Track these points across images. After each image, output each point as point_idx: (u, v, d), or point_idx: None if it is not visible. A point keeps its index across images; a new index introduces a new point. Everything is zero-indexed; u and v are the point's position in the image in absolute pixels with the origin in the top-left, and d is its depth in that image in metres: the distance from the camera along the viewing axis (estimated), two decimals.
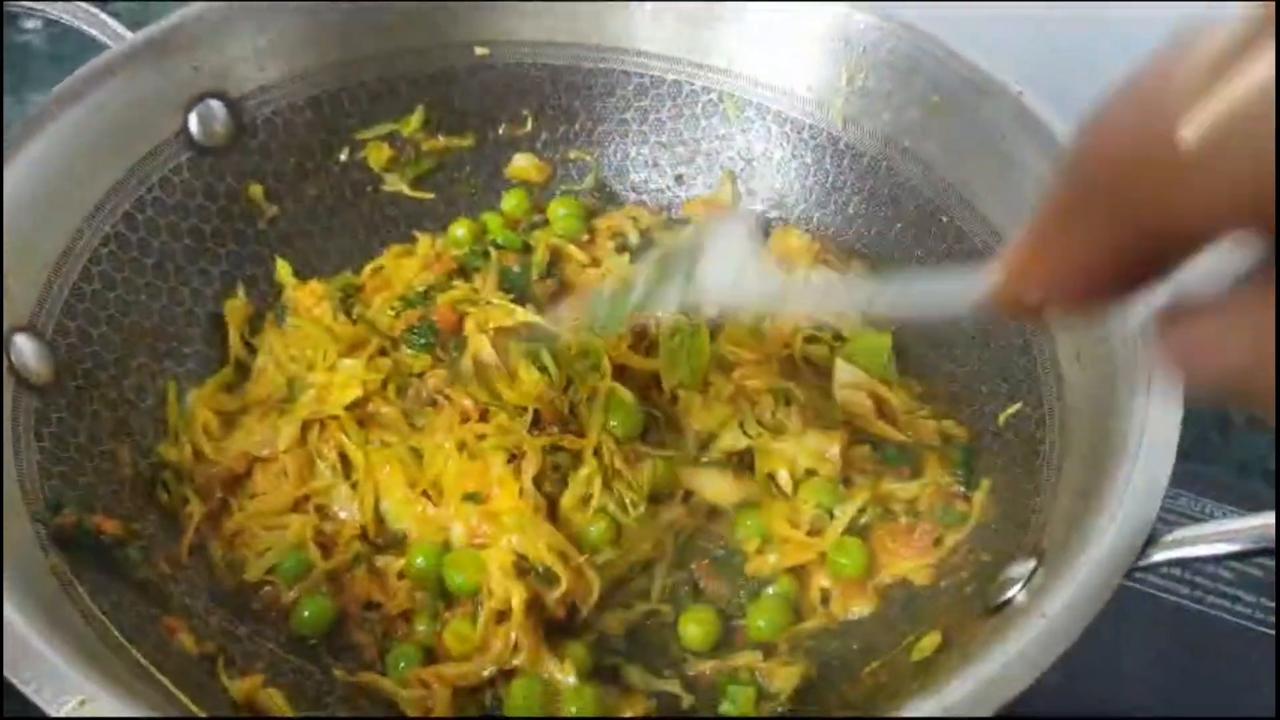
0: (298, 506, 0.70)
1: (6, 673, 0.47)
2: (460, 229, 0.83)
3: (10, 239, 0.65)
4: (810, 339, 0.76)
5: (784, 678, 0.62)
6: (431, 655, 0.64)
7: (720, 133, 0.85)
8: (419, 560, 0.66)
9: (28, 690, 0.47)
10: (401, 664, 0.63)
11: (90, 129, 0.71)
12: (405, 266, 0.80)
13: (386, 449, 0.70)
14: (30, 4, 0.76)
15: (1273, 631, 0.79)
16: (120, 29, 0.75)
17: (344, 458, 0.71)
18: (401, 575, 0.66)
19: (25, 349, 0.64)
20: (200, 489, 0.70)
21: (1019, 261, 0.30)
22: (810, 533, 0.68)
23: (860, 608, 0.66)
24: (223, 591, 0.67)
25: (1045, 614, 0.49)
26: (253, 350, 0.78)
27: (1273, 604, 0.82)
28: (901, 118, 0.77)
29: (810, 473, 0.70)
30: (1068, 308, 0.30)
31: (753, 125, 0.84)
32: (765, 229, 0.84)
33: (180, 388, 0.74)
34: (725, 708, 0.62)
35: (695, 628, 0.65)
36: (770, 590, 0.67)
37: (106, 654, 0.53)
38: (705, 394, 0.72)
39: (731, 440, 0.71)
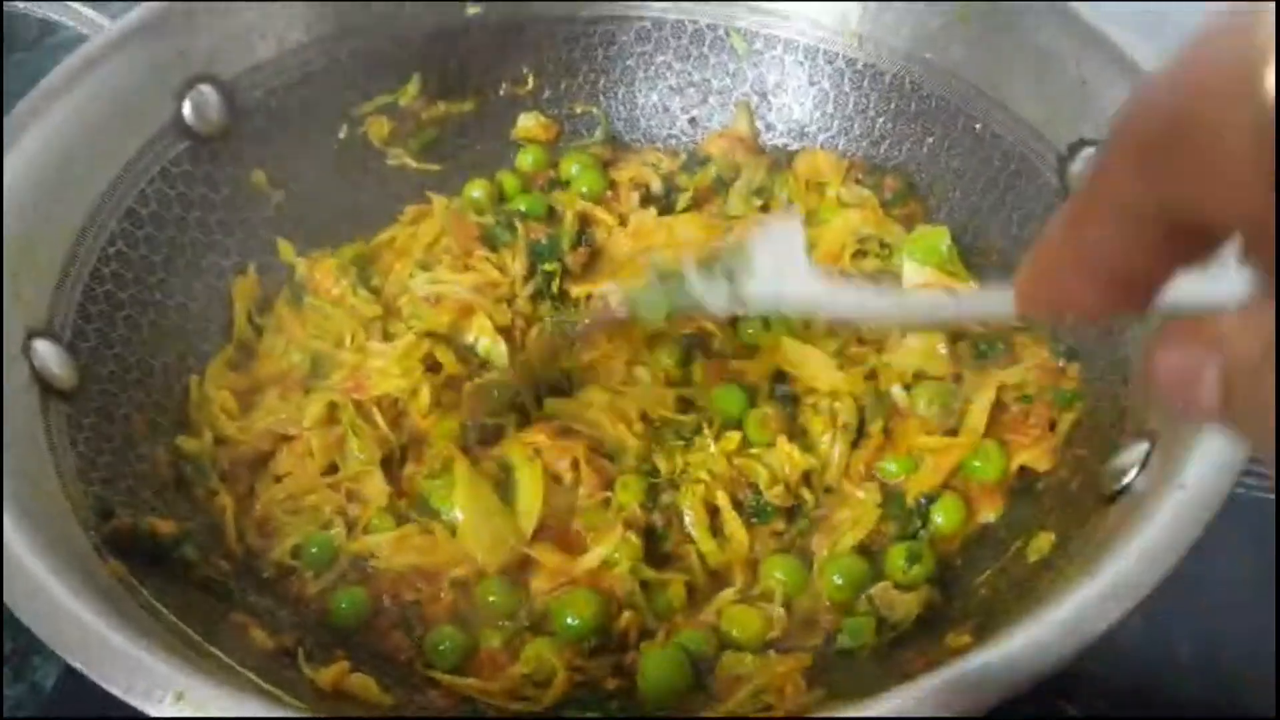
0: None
1: (97, 678, 0.44)
2: (476, 190, 0.81)
3: (14, 242, 0.62)
4: (857, 253, 0.74)
5: (905, 605, 0.60)
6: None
7: (730, 69, 0.83)
8: (491, 597, 0.62)
9: (121, 692, 0.43)
10: (443, 645, 0.61)
11: (81, 124, 0.68)
12: (423, 232, 0.77)
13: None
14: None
15: None
16: (99, 17, 0.71)
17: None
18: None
19: (46, 354, 0.61)
20: (226, 474, 0.67)
21: (1034, 280, 0.30)
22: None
23: (990, 512, 0.64)
24: (265, 581, 0.64)
25: (1184, 485, 0.46)
26: (258, 330, 0.75)
27: None
28: (921, 29, 0.76)
29: (919, 376, 0.68)
30: (1082, 315, 0.30)
31: (763, 57, 0.82)
32: (721, 183, 0.82)
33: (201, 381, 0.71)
34: (842, 640, 0.60)
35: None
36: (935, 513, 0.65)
37: (187, 652, 0.50)
38: (810, 336, 0.70)
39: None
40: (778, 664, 0.58)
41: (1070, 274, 0.29)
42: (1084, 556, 0.51)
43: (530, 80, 0.84)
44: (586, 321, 0.69)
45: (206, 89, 0.74)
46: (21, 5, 0.71)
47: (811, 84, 0.81)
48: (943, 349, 0.69)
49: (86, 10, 0.71)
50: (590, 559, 0.62)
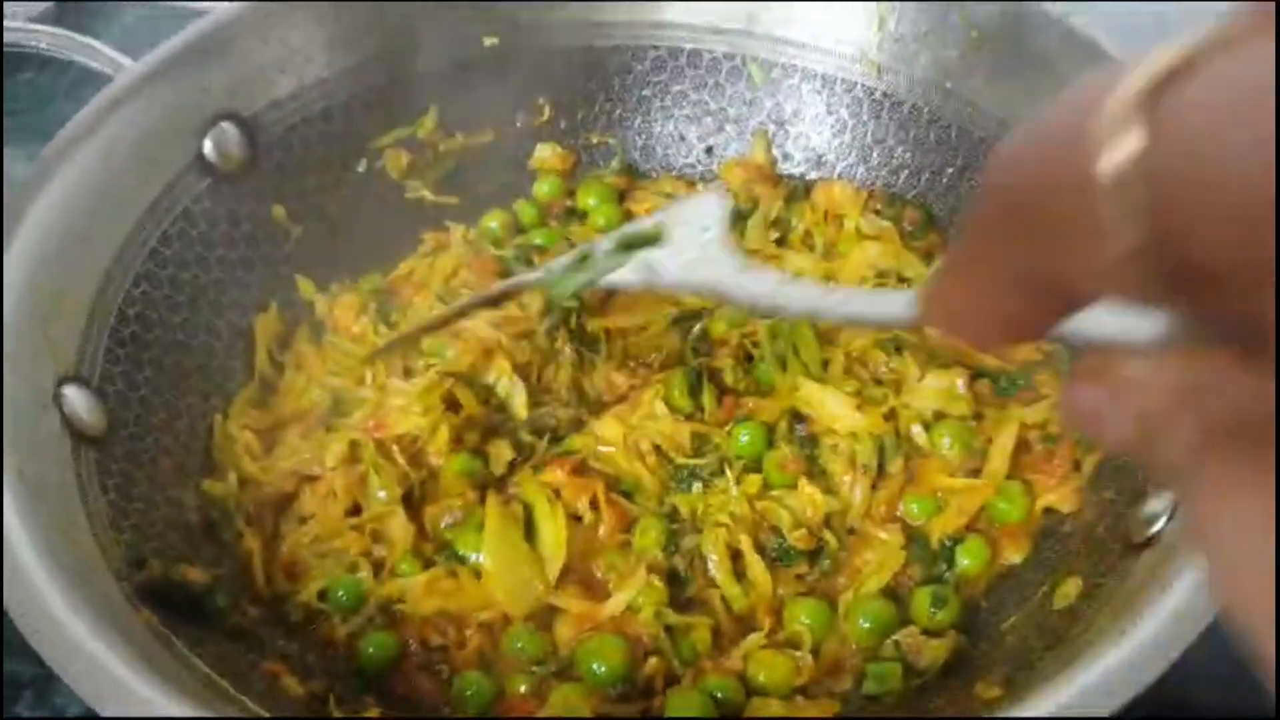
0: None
1: None
2: (493, 220, 0.82)
3: (43, 284, 0.63)
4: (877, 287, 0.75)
5: (932, 651, 0.60)
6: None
7: (747, 98, 0.83)
8: (518, 644, 0.63)
9: None
10: (470, 690, 0.61)
11: (106, 167, 0.69)
12: (441, 265, 0.79)
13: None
14: (22, 43, 0.73)
15: None
16: (123, 59, 0.72)
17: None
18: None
19: (76, 400, 0.62)
20: (251, 517, 0.68)
21: (928, 300, 0.30)
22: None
23: (1015, 554, 0.65)
24: (293, 625, 0.64)
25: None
26: (279, 367, 0.76)
27: None
28: (940, 60, 0.76)
29: (939, 415, 0.69)
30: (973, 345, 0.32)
31: (780, 86, 0.82)
32: (739, 215, 0.81)
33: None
34: (869, 686, 0.60)
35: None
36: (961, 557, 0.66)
37: (223, 705, 0.50)
38: (827, 377, 0.71)
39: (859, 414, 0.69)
40: (806, 709, 0.58)
41: (959, 306, 0.29)
42: (1113, 607, 0.51)
43: (547, 111, 0.84)
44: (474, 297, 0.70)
45: (228, 126, 0.75)
46: (46, 47, 0.71)
47: (829, 113, 0.81)
48: (962, 387, 0.69)
49: (109, 51, 0.72)
50: (614, 604, 0.62)
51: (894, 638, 0.62)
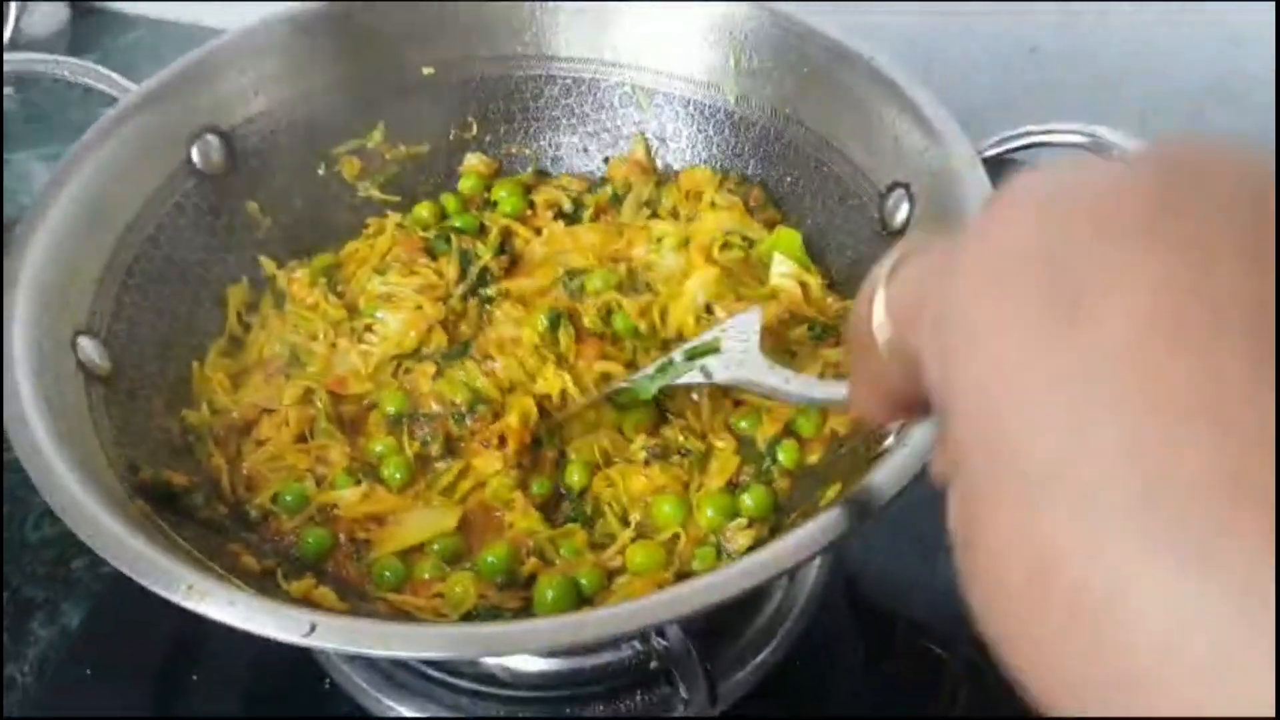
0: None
1: (133, 575, 0.62)
2: (423, 210, 0.99)
3: (63, 259, 0.80)
4: (725, 245, 0.92)
5: (741, 538, 0.78)
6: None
7: (636, 119, 1.00)
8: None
9: (149, 584, 0.61)
10: (386, 573, 0.77)
11: (114, 167, 0.85)
12: (379, 245, 0.96)
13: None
14: (42, 70, 0.91)
15: None
16: (125, 82, 0.90)
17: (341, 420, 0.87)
18: None
19: (88, 347, 0.78)
20: (219, 440, 0.84)
21: (850, 395, 0.44)
22: None
23: (813, 456, 0.83)
24: (252, 521, 0.81)
25: (906, 445, 0.64)
26: (246, 326, 0.93)
27: None
28: (782, 89, 0.93)
29: None
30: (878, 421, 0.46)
31: (662, 110, 0.99)
32: (616, 198, 1.00)
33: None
34: (694, 565, 0.77)
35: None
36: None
37: (196, 564, 0.68)
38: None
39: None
40: (638, 582, 0.76)
41: (861, 394, 0.42)
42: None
43: (474, 127, 1.02)
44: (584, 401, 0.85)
45: (211, 137, 0.91)
46: (68, 74, 0.89)
47: (699, 131, 0.98)
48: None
49: (120, 78, 0.90)
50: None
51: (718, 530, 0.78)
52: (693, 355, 0.80)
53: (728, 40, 0.95)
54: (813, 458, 0.83)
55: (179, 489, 0.77)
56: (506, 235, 0.97)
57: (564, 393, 0.85)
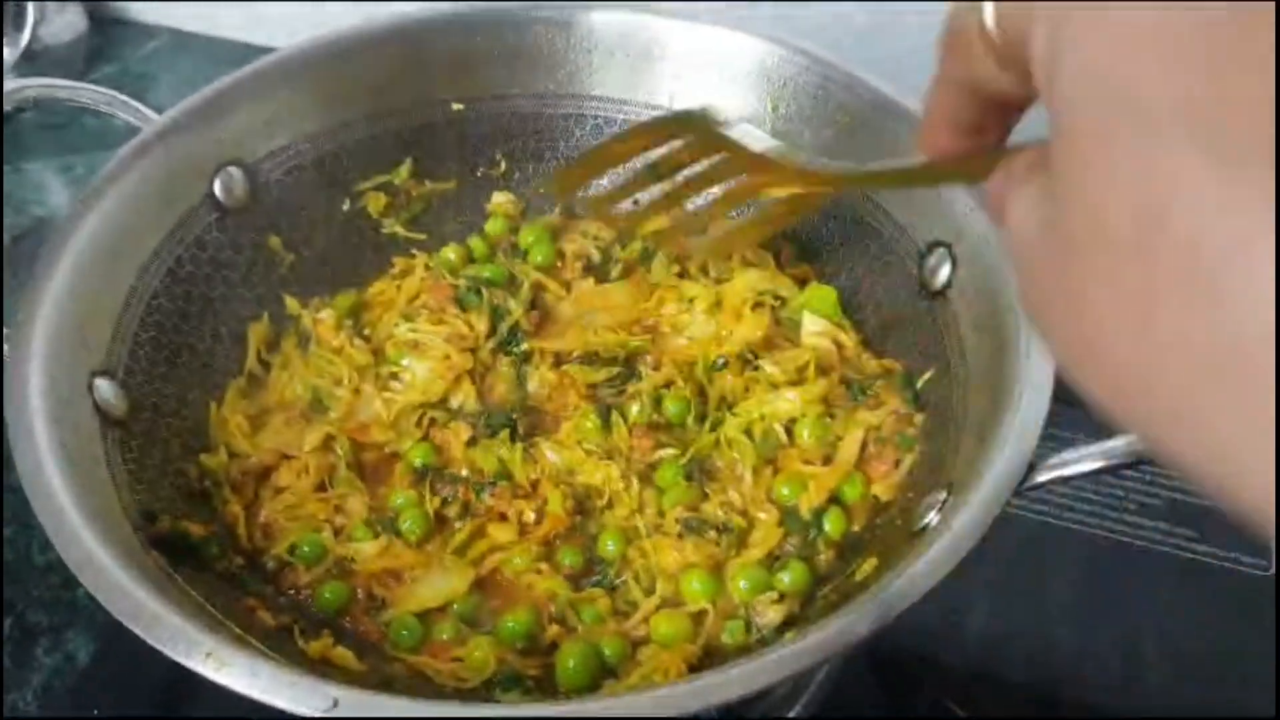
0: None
1: (150, 640, 0.60)
2: (450, 253, 0.97)
3: (80, 296, 0.77)
4: (756, 305, 0.90)
5: (771, 612, 0.75)
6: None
7: None
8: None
9: (167, 650, 0.59)
10: (404, 632, 0.75)
11: (134, 202, 0.83)
12: (406, 288, 0.94)
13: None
14: (71, 98, 0.88)
15: (1173, 550, 0.95)
16: (148, 111, 0.88)
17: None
18: None
19: (104, 389, 0.76)
20: (235, 485, 0.82)
21: (919, 136, 0.44)
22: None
23: (857, 525, 0.80)
24: (268, 573, 0.79)
25: (951, 528, 0.63)
26: (266, 365, 0.91)
27: (1169, 525, 0.97)
28: (820, 138, 0.91)
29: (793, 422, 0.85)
30: (947, 154, 0.44)
31: None
32: (646, 254, 0.98)
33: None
34: (724, 639, 0.75)
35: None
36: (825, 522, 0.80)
37: (213, 625, 0.66)
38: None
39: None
40: (664, 655, 0.74)
41: (940, 127, 0.41)
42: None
43: (502, 164, 1.00)
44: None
45: (234, 170, 0.89)
46: (89, 101, 0.87)
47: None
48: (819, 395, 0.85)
49: (142, 107, 0.88)
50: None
51: (748, 602, 0.76)
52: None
53: (765, 85, 0.93)
54: (856, 525, 0.81)
55: (195, 540, 0.75)
56: (537, 289, 0.95)
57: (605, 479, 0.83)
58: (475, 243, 0.98)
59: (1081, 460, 0.66)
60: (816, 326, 0.89)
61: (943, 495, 0.70)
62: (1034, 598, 0.93)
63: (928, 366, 0.83)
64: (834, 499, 0.81)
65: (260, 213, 0.92)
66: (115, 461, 0.74)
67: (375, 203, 0.97)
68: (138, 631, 0.60)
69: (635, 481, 0.82)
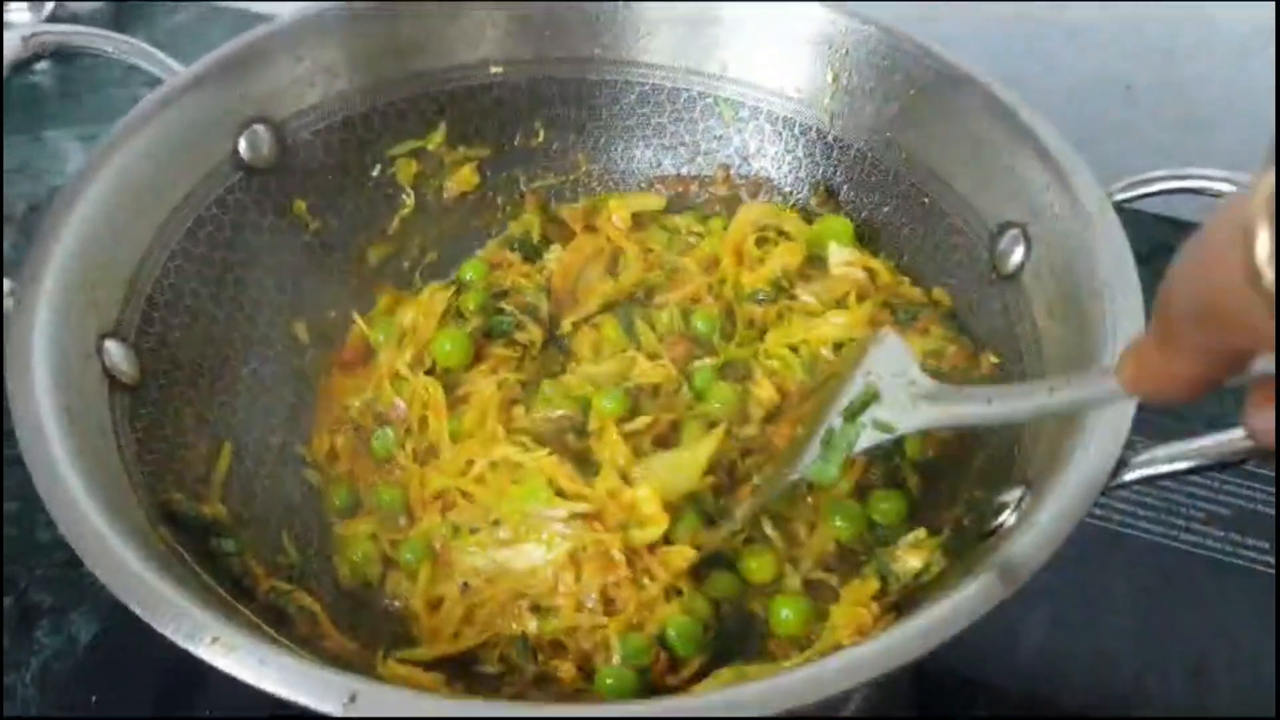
0: None
1: (153, 624, 0.55)
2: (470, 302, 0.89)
3: (92, 255, 0.73)
4: (759, 240, 0.87)
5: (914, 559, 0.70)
6: None
7: (717, 133, 0.93)
8: None
9: (170, 634, 0.54)
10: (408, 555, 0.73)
11: (153, 155, 0.78)
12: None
13: None
14: (89, 46, 0.83)
15: (1242, 562, 0.89)
16: (172, 63, 0.83)
17: None
18: None
19: (114, 352, 0.71)
20: None
21: (1135, 380, 0.43)
22: None
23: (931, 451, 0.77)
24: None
25: (1034, 523, 0.57)
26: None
27: (1239, 535, 0.91)
28: (883, 112, 0.86)
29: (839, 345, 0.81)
30: (1169, 404, 0.42)
31: (747, 125, 0.92)
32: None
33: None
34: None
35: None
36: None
37: (220, 608, 0.61)
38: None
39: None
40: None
41: (1163, 379, 0.41)
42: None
43: (541, 134, 0.94)
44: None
45: (260, 128, 0.84)
46: (112, 50, 0.82)
47: (787, 151, 0.91)
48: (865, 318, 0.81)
49: (166, 58, 0.83)
50: None
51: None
52: (852, 414, 0.68)
53: (828, 53, 0.87)
54: (930, 452, 0.77)
55: (207, 520, 0.70)
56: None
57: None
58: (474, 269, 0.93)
59: (1175, 459, 0.60)
60: (845, 256, 0.85)
61: (1018, 492, 0.64)
62: (1093, 611, 0.87)
63: (995, 353, 0.78)
64: None
65: (286, 174, 0.87)
66: (124, 430, 0.70)
67: (406, 169, 0.92)
68: (137, 610, 0.55)
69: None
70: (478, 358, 0.84)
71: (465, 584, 0.72)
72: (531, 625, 0.70)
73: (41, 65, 1.34)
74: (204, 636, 0.54)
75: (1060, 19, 1.13)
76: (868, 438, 0.67)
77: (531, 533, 0.71)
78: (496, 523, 0.73)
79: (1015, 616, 0.85)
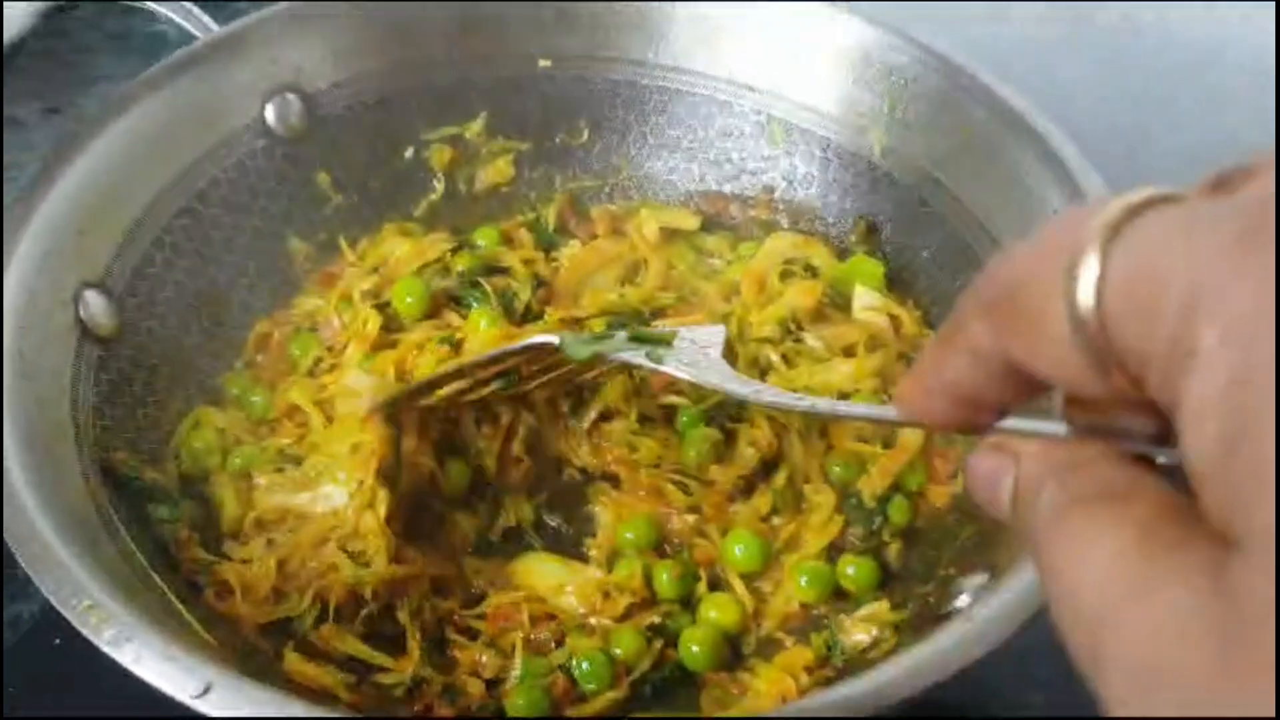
0: None
1: (27, 568, 0.53)
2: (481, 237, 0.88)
3: (89, 201, 0.72)
4: (785, 274, 0.82)
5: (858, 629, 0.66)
6: None
7: (765, 154, 0.88)
8: None
9: (41, 581, 0.53)
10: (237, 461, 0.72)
11: (173, 111, 0.78)
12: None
13: None
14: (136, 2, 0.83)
15: None
16: (209, 22, 0.82)
17: None
18: None
19: (94, 303, 0.71)
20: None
21: (902, 387, 0.36)
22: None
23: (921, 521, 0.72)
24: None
25: (971, 619, 0.51)
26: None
27: None
28: (934, 149, 0.80)
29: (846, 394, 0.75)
30: (932, 425, 0.35)
31: (796, 148, 0.87)
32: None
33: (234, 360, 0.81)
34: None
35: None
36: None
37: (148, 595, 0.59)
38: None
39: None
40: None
41: (932, 391, 0.34)
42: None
43: (585, 133, 0.91)
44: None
45: (291, 97, 0.83)
46: (149, 4, 0.82)
47: (833, 180, 0.86)
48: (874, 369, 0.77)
49: (203, 14, 0.82)
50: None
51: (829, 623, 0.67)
52: (638, 338, 0.68)
53: (885, 81, 0.82)
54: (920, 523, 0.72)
55: (146, 485, 0.68)
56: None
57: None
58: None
59: None
60: (870, 300, 0.79)
61: (983, 578, 0.58)
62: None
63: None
64: (896, 487, 0.72)
65: (313, 146, 0.85)
66: (86, 382, 0.69)
67: (440, 156, 0.89)
68: (17, 555, 0.53)
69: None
70: (434, 315, 0.81)
71: (270, 540, 0.69)
72: (348, 572, 0.66)
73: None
74: (78, 601, 0.52)
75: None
76: (632, 354, 0.66)
77: (327, 474, 0.70)
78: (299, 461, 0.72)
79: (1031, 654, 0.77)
